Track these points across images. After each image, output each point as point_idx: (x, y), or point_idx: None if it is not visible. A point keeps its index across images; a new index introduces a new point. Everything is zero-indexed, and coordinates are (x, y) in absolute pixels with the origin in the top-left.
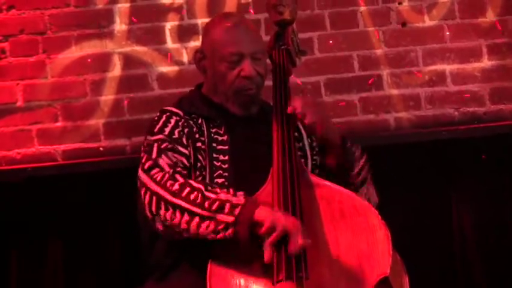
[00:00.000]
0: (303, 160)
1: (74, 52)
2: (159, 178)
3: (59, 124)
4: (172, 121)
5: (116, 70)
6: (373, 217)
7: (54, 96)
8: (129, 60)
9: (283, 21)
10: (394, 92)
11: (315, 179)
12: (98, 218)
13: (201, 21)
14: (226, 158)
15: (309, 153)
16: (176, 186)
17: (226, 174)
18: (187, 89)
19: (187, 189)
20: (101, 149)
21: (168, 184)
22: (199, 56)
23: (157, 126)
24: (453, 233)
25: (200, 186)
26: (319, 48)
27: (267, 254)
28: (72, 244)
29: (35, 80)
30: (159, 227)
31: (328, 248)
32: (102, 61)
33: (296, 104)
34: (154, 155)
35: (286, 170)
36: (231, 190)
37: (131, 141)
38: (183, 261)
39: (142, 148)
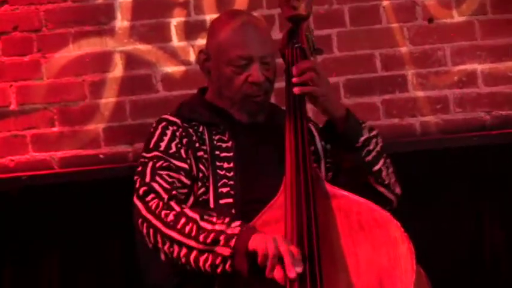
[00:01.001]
0: (315, 165)
1: (72, 51)
2: (154, 206)
3: (55, 129)
4: (169, 133)
5: (117, 70)
6: (395, 229)
7: (50, 99)
8: (131, 60)
9: (297, 16)
10: (420, 94)
11: (331, 188)
12: (98, 231)
13: (210, 17)
14: (231, 165)
15: (322, 155)
16: (171, 217)
17: (232, 182)
18: (194, 91)
19: (183, 221)
20: (101, 156)
21: (163, 214)
22: (203, 56)
23: (153, 141)
24: (484, 250)
25: (195, 216)
26: (338, 46)
27: (278, 276)
28: (69, 259)
29: (29, 81)
30: (162, 257)
31: (345, 264)
32: (102, 61)
33: (304, 66)
34: (148, 178)
35: (300, 180)
36: (227, 219)
37: (133, 147)
38: (186, 285)
39: (137, 168)
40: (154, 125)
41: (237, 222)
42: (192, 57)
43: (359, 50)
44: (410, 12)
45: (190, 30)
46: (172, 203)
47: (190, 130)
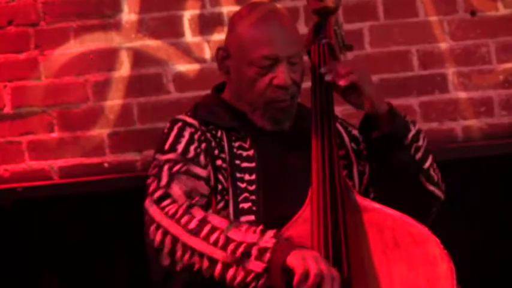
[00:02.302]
0: (346, 172)
1: (73, 47)
2: (172, 212)
3: (54, 135)
4: (186, 134)
5: (124, 69)
6: (434, 247)
7: (49, 101)
8: (139, 57)
9: (324, 9)
10: (462, 95)
11: (362, 201)
12: (102, 248)
13: (227, 9)
14: (253, 177)
15: (353, 159)
16: (193, 224)
17: (254, 197)
18: (209, 92)
19: (207, 228)
20: (106, 165)
21: (184, 220)
22: (222, 54)
23: (168, 142)
24: None
25: (223, 224)
26: (371, 42)
27: None
28: (71, 281)
29: (25, 81)
30: (178, 270)
31: (379, 285)
32: (107, 58)
33: (336, 68)
34: (164, 181)
35: (328, 191)
36: (258, 229)
37: (142, 155)
38: None
39: (150, 170)
40: (168, 125)
41: (271, 233)
42: (208, 54)
43: (393, 46)
44: (451, 4)
45: (205, 24)
46: (194, 210)
47: (208, 134)
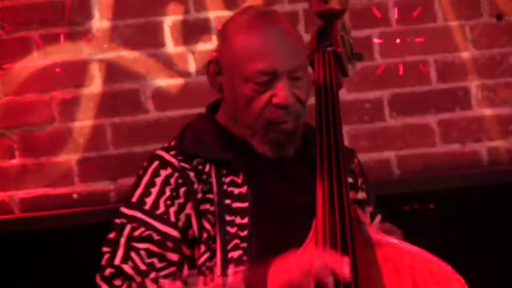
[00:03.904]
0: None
1: (36, 60)
2: None
3: (15, 161)
4: (158, 182)
5: (95, 85)
6: (458, 287)
7: (9, 123)
8: (113, 71)
9: (329, 11)
10: (487, 112)
11: (376, 235)
12: None
13: (215, 14)
14: (245, 221)
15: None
16: None
17: (245, 244)
18: (195, 111)
19: None
20: (75, 196)
21: None
22: (213, 68)
23: (137, 193)
24: None
25: (177, 286)
26: (381, 51)
27: None
28: None
29: None
30: None
31: None
32: (76, 72)
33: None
34: (119, 256)
35: (336, 223)
36: (216, 275)
37: (116, 184)
38: None
39: (112, 226)
40: (145, 164)
41: (232, 270)
42: (192, 66)
43: (408, 56)
44: (474, 7)
45: (189, 32)
46: (148, 282)
47: (191, 174)
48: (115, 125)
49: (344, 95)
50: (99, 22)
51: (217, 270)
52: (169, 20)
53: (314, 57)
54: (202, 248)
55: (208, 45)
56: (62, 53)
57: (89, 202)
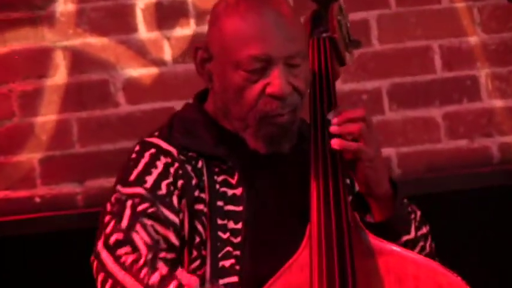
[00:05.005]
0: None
1: None
2: (129, 262)
3: None
4: (160, 165)
5: (60, 75)
6: None
7: None
8: (79, 60)
9: None
10: (498, 103)
11: (377, 242)
12: None
13: None
14: (239, 226)
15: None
16: (155, 278)
17: (238, 252)
18: (170, 104)
19: (173, 286)
20: (37, 199)
21: (143, 273)
22: (202, 55)
23: (136, 171)
24: None
25: (192, 282)
26: (379, 36)
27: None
28: None
29: None
30: None
31: None
32: (38, 61)
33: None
34: (125, 223)
35: (332, 229)
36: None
37: (84, 187)
38: None
39: (107, 206)
40: (137, 148)
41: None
42: (168, 54)
43: (409, 41)
44: None
45: (164, 16)
46: (159, 263)
47: (189, 167)
48: (82, 120)
49: (339, 85)
50: (63, 5)
51: (207, 280)
52: (142, 3)
53: (308, 44)
54: (194, 253)
55: (186, 30)
56: (21, 39)
57: (53, 206)
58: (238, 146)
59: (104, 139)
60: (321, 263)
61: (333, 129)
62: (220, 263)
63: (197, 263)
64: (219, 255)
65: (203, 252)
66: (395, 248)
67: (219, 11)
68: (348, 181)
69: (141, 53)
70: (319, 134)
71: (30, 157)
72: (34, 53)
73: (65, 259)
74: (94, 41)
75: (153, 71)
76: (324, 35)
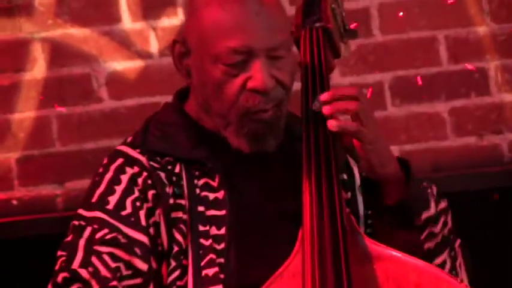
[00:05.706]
0: (349, 210)
1: None
2: None
3: None
4: (124, 180)
5: (38, 69)
6: None
7: None
8: (59, 52)
9: None
10: (508, 97)
11: (374, 246)
12: None
13: None
14: (222, 231)
15: (361, 208)
16: None
17: (222, 260)
18: (156, 100)
19: None
20: (14, 202)
21: None
22: (179, 49)
23: (98, 191)
24: None
25: None
26: (381, 26)
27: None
28: None
29: None
30: None
31: None
32: (15, 54)
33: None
34: (78, 259)
35: (326, 233)
36: None
37: (64, 188)
38: None
39: (67, 232)
40: (105, 161)
41: None
42: (154, 46)
43: (413, 32)
44: None
45: (149, 5)
46: None
47: (162, 175)
48: (62, 117)
49: (338, 78)
50: None
51: None
52: None
53: (300, 35)
54: (173, 263)
55: (173, 20)
56: None
57: (32, 209)
58: (219, 146)
59: (85, 137)
60: (314, 270)
61: (326, 108)
62: (204, 272)
63: (176, 273)
64: (202, 264)
65: (183, 262)
66: (395, 253)
67: (198, 1)
68: (345, 176)
69: (126, 44)
70: (311, 127)
71: (7, 157)
72: (10, 45)
73: (43, 265)
74: (75, 32)
75: (138, 64)
76: (317, 24)
